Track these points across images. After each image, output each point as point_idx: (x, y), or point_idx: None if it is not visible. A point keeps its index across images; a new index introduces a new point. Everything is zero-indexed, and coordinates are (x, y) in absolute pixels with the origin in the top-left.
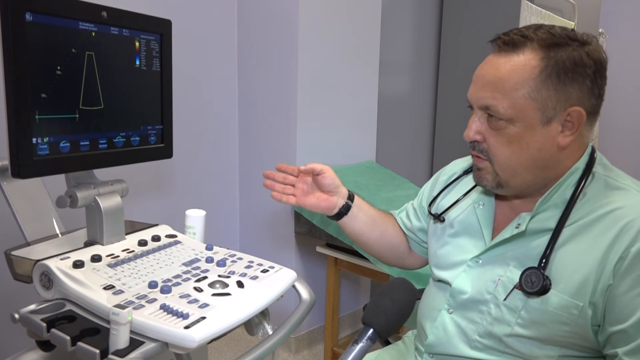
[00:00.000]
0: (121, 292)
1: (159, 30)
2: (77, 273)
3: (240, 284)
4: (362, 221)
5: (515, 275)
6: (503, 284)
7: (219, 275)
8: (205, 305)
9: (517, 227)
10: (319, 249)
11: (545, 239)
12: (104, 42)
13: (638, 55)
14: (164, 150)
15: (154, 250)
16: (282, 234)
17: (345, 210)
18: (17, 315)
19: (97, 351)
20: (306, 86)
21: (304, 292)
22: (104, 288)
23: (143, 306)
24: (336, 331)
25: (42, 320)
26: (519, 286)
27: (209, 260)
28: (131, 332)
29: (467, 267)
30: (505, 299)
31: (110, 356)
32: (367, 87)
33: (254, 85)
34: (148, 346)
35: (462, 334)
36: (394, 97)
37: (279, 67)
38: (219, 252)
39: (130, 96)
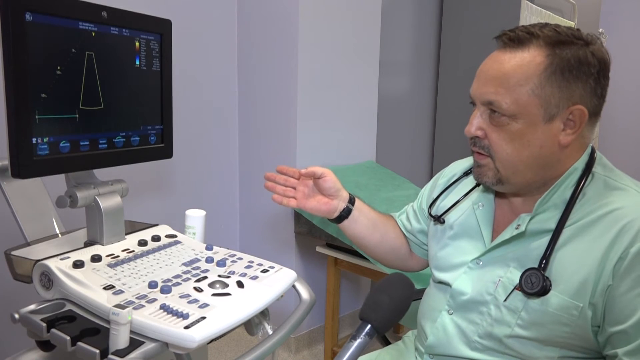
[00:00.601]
0: (121, 292)
1: (159, 30)
2: (77, 273)
3: (240, 284)
4: (363, 224)
5: (515, 276)
6: (503, 284)
7: (219, 275)
8: (205, 305)
9: (517, 228)
10: (319, 249)
11: (545, 240)
12: (104, 42)
13: (638, 55)
14: (164, 150)
15: (154, 250)
16: (282, 234)
17: (346, 213)
18: (17, 315)
19: (97, 351)
20: (306, 86)
21: (304, 292)
22: (104, 288)
23: (143, 306)
24: (336, 331)
25: (42, 320)
26: (519, 287)
27: (209, 260)
28: (131, 332)
29: (468, 269)
30: (505, 300)
31: (110, 356)
32: (367, 87)
33: (254, 85)
34: (148, 346)
35: (462, 334)
36: (394, 97)
37: (279, 67)
38: (219, 252)
39: (130, 96)
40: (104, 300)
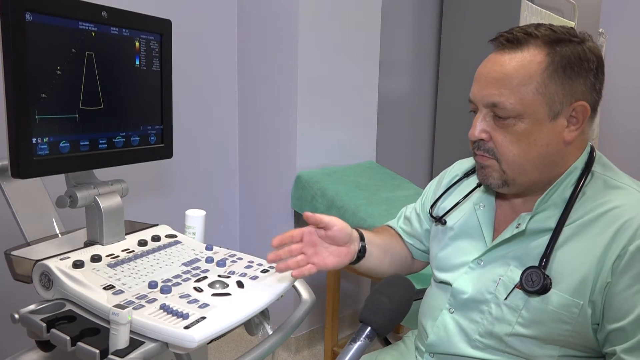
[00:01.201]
0: (121, 292)
1: (159, 30)
2: (77, 273)
3: (240, 284)
4: (375, 255)
5: (515, 274)
6: (504, 283)
7: (219, 275)
8: (205, 305)
9: (517, 227)
10: None
11: (545, 239)
12: (104, 42)
13: (638, 55)
14: (164, 150)
15: (153, 250)
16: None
17: (362, 253)
18: (17, 315)
19: (97, 351)
20: (306, 86)
21: (304, 292)
22: (104, 288)
23: (143, 306)
24: (336, 331)
25: (42, 320)
26: (520, 285)
27: (209, 260)
28: (131, 332)
29: (469, 269)
30: (506, 299)
31: (110, 356)
32: (367, 87)
33: (254, 85)
34: (148, 346)
35: (462, 333)
36: (394, 97)
37: (279, 67)
38: (219, 252)
39: (130, 96)
40: (104, 300)
